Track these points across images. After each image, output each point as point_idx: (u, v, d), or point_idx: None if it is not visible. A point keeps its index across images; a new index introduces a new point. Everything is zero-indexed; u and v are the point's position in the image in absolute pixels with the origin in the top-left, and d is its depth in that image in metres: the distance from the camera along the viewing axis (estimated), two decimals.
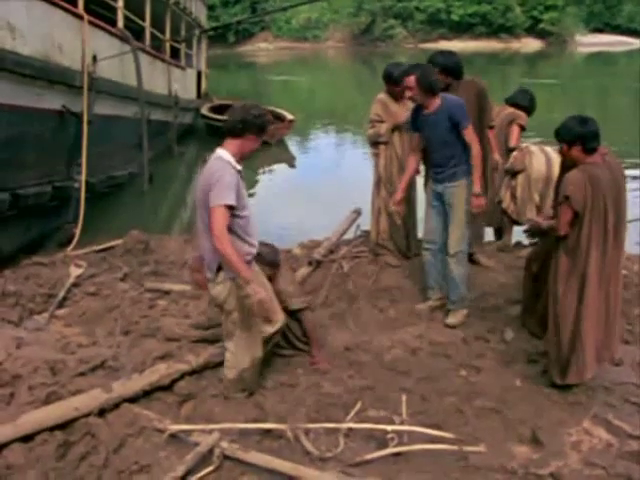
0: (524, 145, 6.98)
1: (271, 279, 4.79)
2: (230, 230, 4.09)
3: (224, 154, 4.20)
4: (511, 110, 7.20)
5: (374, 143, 6.90)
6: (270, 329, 4.52)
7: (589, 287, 4.33)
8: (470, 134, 5.50)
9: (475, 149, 5.51)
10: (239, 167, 4.23)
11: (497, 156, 6.71)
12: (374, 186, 6.99)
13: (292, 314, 4.98)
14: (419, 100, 5.55)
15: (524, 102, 7.29)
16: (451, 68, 6.15)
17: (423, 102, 5.54)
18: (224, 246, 3.99)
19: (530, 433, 4.12)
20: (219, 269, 4.24)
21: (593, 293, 4.34)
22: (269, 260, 4.83)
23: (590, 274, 4.32)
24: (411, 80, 5.45)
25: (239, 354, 4.40)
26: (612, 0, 64.48)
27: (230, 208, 4.05)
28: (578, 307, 4.38)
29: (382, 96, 6.81)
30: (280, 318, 4.57)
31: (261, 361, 4.53)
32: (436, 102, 5.51)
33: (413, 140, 5.92)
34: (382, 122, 6.73)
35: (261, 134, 4.30)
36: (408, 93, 5.60)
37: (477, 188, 5.53)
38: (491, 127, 6.56)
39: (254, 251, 4.37)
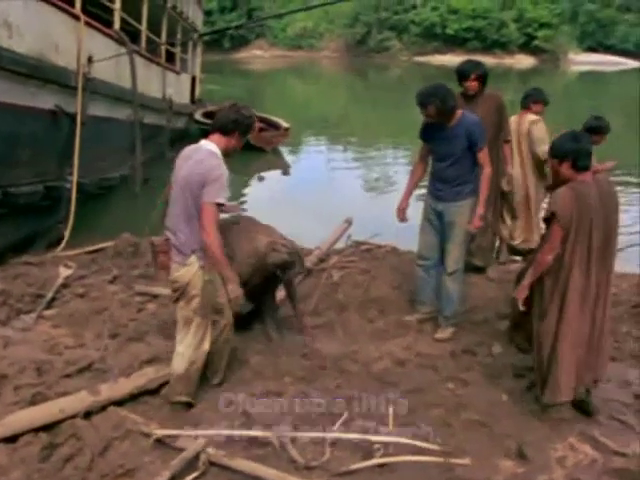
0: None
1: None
2: None
3: (216, 150, 4.29)
4: None
5: None
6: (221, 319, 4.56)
7: (569, 307, 4.26)
8: (484, 156, 5.44)
9: (487, 171, 5.45)
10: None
11: (510, 168, 6.87)
12: None
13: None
14: (439, 122, 5.39)
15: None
16: (487, 77, 6.39)
17: (442, 123, 5.40)
18: (214, 243, 4.17)
19: (516, 447, 4.12)
20: (192, 252, 4.28)
21: (573, 314, 4.27)
22: None
23: (570, 294, 4.25)
24: (431, 110, 5.28)
25: (193, 344, 4.39)
26: (606, 20, 64.92)
27: (220, 205, 4.21)
28: (557, 327, 4.32)
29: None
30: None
31: (205, 360, 4.51)
32: (454, 117, 5.39)
33: (422, 150, 5.81)
34: None
35: (247, 135, 4.46)
36: (429, 120, 5.44)
37: (482, 210, 5.48)
38: (507, 141, 6.73)
39: None
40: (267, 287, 5.38)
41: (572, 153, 4.24)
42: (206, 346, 4.43)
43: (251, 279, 4.96)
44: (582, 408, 4.52)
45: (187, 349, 4.40)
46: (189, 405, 4.47)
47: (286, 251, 5.05)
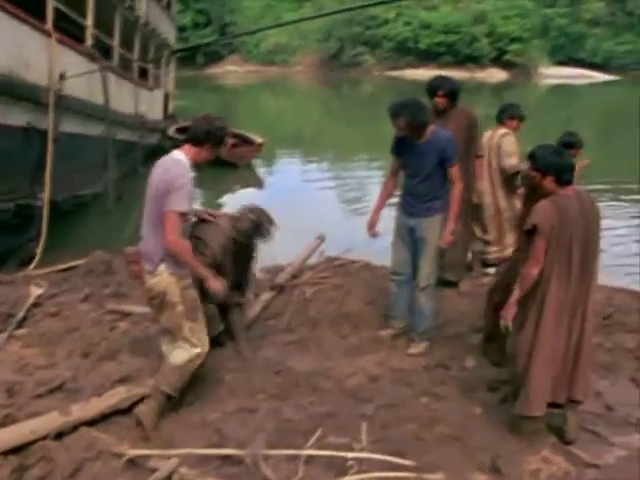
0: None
1: None
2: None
3: (184, 159, 4.32)
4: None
5: None
6: None
7: (544, 321, 4.25)
8: (456, 172, 5.45)
9: (458, 187, 5.47)
10: (193, 174, 4.34)
11: (482, 184, 6.88)
12: None
13: None
14: (410, 136, 5.39)
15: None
16: (456, 92, 6.42)
17: (413, 137, 5.41)
18: (180, 249, 4.23)
19: (490, 461, 4.13)
20: (161, 261, 4.29)
21: (548, 327, 4.25)
22: None
23: (547, 308, 4.24)
24: (402, 122, 5.28)
25: (193, 342, 4.40)
26: (575, 34, 65.84)
27: (184, 214, 4.23)
28: (533, 340, 4.30)
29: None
30: None
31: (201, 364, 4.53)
32: (426, 133, 5.39)
33: (393, 164, 5.78)
34: None
35: (219, 146, 4.49)
36: (399, 133, 5.44)
37: (452, 225, 5.49)
38: (478, 156, 6.72)
39: None
40: (245, 263, 5.47)
41: (556, 167, 4.22)
42: (200, 348, 4.43)
43: (230, 260, 5.10)
44: (560, 436, 4.49)
45: (189, 348, 4.40)
46: (169, 399, 4.44)
47: (249, 217, 5.25)
